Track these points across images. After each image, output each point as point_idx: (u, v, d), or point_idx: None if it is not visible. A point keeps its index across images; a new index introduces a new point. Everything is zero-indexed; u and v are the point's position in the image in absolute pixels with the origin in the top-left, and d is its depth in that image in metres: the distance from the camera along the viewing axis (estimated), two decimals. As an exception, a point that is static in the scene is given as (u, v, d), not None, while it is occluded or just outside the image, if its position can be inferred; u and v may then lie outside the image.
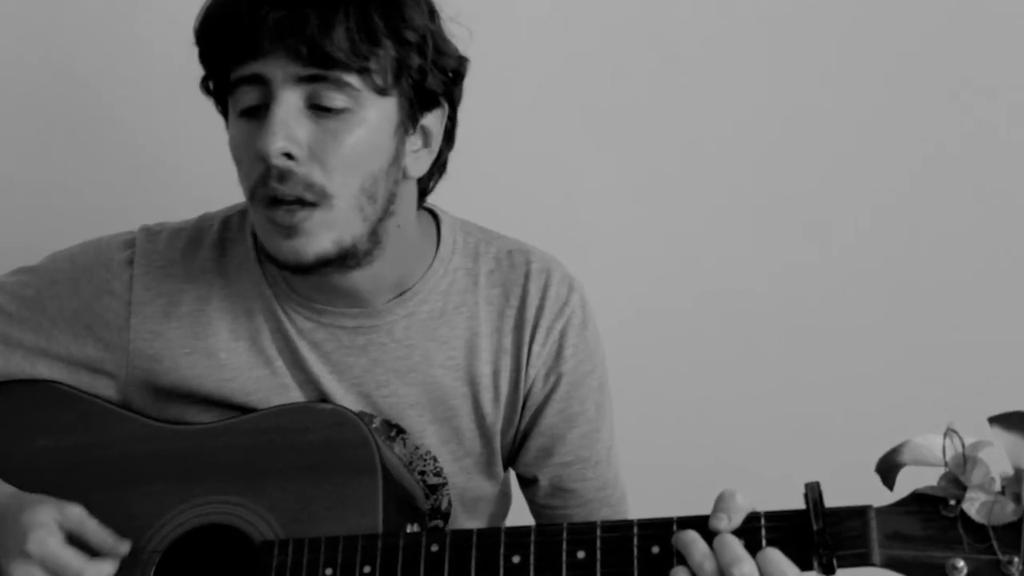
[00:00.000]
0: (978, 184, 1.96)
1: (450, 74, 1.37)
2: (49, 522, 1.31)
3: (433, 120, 1.37)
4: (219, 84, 1.35)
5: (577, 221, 1.95)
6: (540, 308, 1.46)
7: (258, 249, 1.44)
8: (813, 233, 1.97)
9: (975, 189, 1.96)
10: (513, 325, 1.46)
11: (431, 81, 1.34)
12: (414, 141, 1.36)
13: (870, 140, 1.95)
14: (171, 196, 1.85)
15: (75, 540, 1.32)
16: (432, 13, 1.35)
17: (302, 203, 1.28)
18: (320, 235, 1.30)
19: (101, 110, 1.90)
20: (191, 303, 1.43)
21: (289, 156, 1.26)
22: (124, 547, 1.32)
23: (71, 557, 1.30)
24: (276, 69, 1.26)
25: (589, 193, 1.96)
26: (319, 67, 1.25)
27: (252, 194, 1.31)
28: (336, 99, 1.27)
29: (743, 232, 1.98)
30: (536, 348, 1.46)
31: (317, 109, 1.27)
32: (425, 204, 1.47)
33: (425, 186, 1.44)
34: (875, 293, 1.98)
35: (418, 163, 1.38)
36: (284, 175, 1.27)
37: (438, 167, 1.43)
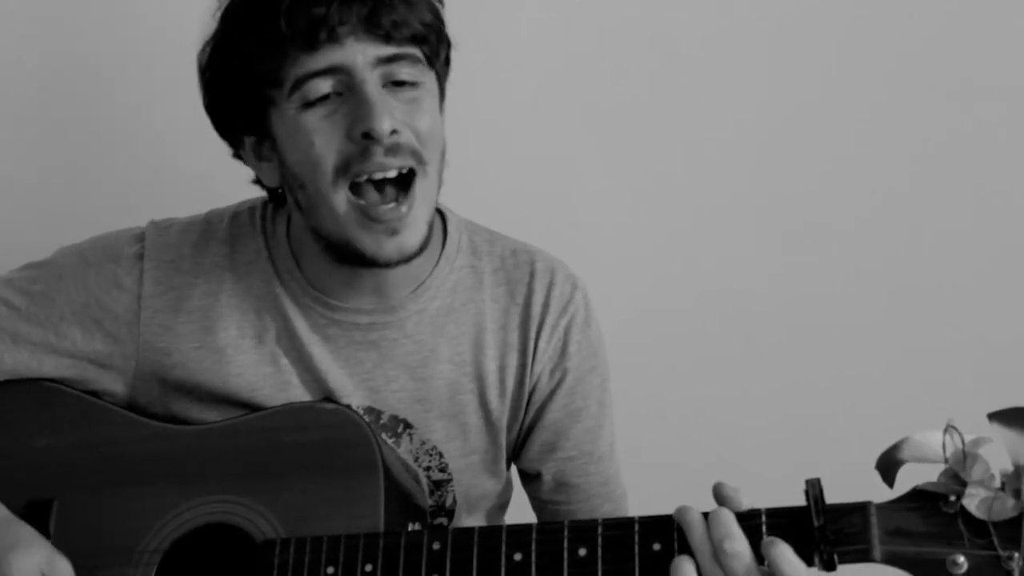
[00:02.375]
0: (978, 184, 1.96)
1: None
2: (34, 572, 1.29)
3: (444, 99, 1.42)
4: (262, 83, 1.32)
5: (577, 221, 1.95)
6: (545, 305, 1.48)
7: (269, 247, 1.45)
8: (813, 233, 1.98)
9: (975, 189, 1.96)
10: (519, 322, 1.48)
11: (450, 56, 1.40)
12: None
13: (870, 140, 1.95)
14: (176, 193, 1.86)
15: None
16: None
17: (402, 178, 1.31)
18: (419, 218, 1.33)
19: (103, 108, 1.90)
20: (201, 298, 1.44)
21: (393, 131, 1.30)
22: None
23: None
24: (356, 54, 1.29)
25: (589, 193, 1.96)
26: (398, 45, 1.30)
27: (340, 173, 1.31)
28: (410, 73, 1.32)
29: (743, 232, 1.98)
30: (542, 344, 1.47)
31: (393, 85, 1.32)
32: None
33: None
34: (875, 293, 1.98)
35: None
36: (393, 149, 1.30)
37: None
